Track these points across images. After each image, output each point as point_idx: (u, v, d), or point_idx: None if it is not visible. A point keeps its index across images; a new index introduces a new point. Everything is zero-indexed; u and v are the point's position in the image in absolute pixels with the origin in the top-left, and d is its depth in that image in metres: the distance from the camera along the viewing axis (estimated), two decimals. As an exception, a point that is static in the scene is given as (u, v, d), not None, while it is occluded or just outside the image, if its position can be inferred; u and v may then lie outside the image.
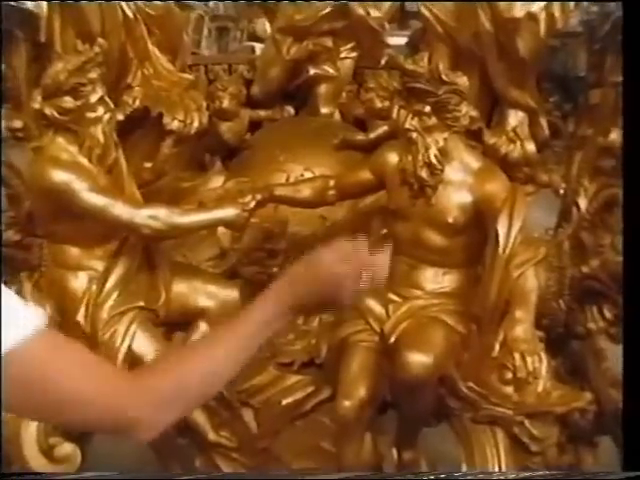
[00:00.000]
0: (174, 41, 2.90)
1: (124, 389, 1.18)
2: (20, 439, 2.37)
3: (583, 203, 2.34)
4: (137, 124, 2.75)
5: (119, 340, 2.38)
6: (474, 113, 2.45)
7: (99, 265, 2.44)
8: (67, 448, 2.42)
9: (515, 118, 2.73)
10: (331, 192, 2.59)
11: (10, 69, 2.79)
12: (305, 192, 2.59)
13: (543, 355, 2.06)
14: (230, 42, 4.34)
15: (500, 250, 2.19)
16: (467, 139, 2.47)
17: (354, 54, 3.26)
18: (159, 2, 2.74)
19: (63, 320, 2.42)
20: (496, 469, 2.09)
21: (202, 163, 3.26)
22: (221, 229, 2.76)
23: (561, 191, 2.65)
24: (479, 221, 2.35)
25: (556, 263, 2.35)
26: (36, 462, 2.40)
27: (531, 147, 2.72)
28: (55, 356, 1.11)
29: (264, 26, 3.84)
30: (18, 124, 2.87)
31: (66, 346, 1.18)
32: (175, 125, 2.76)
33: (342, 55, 3.25)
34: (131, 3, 2.63)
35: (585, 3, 2.77)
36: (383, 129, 2.96)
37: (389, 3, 3.20)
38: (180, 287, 2.56)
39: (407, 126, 2.33)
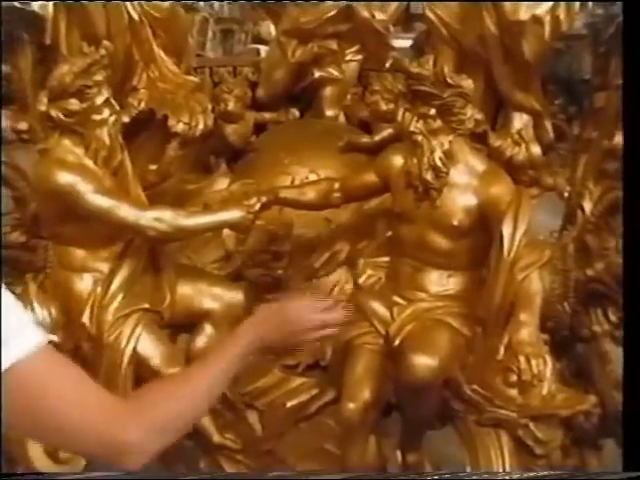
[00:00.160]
0: (179, 43, 2.90)
1: (116, 415, 1.20)
2: (25, 440, 2.38)
3: (588, 206, 2.34)
4: (142, 126, 2.76)
5: (124, 342, 2.38)
6: (479, 116, 2.44)
7: (104, 267, 2.45)
8: (72, 449, 2.43)
9: (520, 121, 2.73)
10: (336, 194, 2.60)
11: (16, 71, 2.79)
12: (310, 194, 2.59)
13: (548, 358, 2.06)
14: (235, 44, 4.36)
15: (505, 253, 2.19)
16: (472, 142, 2.47)
17: (359, 57, 3.26)
18: (163, 2, 2.75)
19: (68, 322, 2.43)
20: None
21: (207, 165, 3.27)
22: (226, 231, 2.77)
23: (566, 194, 2.64)
24: (484, 224, 2.35)
25: (561, 266, 2.35)
26: (41, 463, 2.41)
27: (536, 150, 2.72)
28: (52, 375, 1.13)
29: (269, 28, 3.86)
30: (24, 126, 2.87)
31: (63, 367, 1.18)
32: (180, 127, 2.77)
33: (347, 58, 3.25)
34: (136, 4, 2.64)
35: (590, 6, 2.76)
36: (388, 132, 2.96)
37: (394, 6, 3.20)
38: (185, 289, 2.57)
39: (412, 129, 2.33)
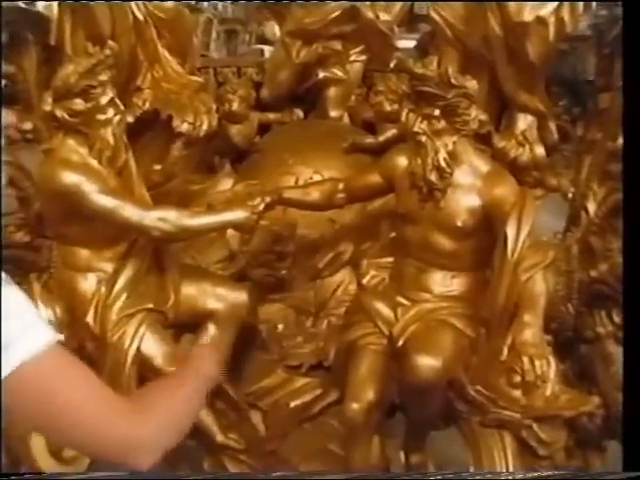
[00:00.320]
0: (183, 44, 2.91)
1: (128, 412, 1.21)
2: (29, 440, 2.38)
3: (592, 207, 2.33)
4: (147, 126, 2.76)
5: (128, 342, 2.38)
6: (483, 117, 2.44)
7: (108, 267, 2.45)
8: (75, 449, 2.43)
9: (524, 122, 2.73)
10: (340, 195, 2.60)
11: (20, 71, 2.80)
12: (314, 195, 2.59)
13: (551, 359, 2.05)
14: (239, 45, 4.35)
15: (509, 254, 2.19)
16: (476, 143, 2.46)
17: (363, 57, 3.26)
18: (167, 2, 2.76)
19: (72, 321, 2.43)
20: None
21: (211, 166, 3.27)
22: (230, 231, 2.77)
23: (570, 195, 2.65)
24: (488, 225, 2.35)
25: (565, 267, 2.35)
26: (45, 462, 2.41)
27: (540, 151, 2.72)
28: (63, 373, 1.14)
29: (273, 29, 3.85)
30: (28, 126, 2.88)
31: (73, 365, 1.19)
32: (185, 128, 2.78)
33: (351, 58, 3.25)
34: (141, 4, 2.64)
35: (594, 7, 2.76)
36: (392, 132, 2.97)
37: (399, 6, 3.20)
38: (189, 289, 2.57)
39: (416, 129, 2.33)
